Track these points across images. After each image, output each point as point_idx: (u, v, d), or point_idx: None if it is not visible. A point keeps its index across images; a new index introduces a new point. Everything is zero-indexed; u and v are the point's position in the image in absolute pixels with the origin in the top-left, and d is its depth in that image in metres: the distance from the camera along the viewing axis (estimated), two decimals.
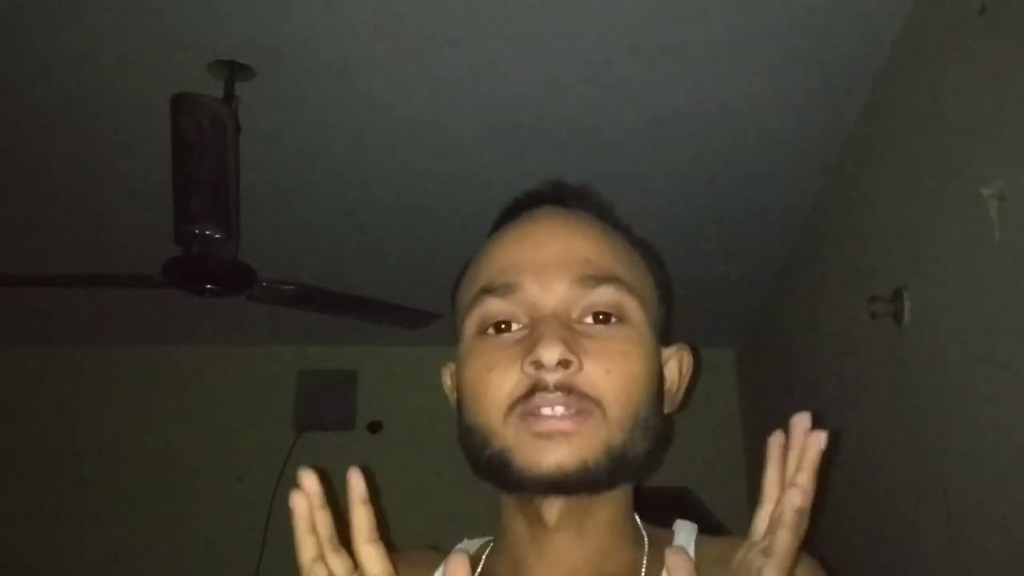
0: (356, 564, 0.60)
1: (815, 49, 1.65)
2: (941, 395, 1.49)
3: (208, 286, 1.95)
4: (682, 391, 0.78)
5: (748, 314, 3.03)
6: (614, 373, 0.66)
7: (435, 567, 0.76)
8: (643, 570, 0.69)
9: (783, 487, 0.62)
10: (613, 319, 0.69)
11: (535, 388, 0.64)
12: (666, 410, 0.75)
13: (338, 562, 0.60)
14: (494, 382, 0.66)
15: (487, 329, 0.70)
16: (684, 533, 0.74)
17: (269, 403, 3.35)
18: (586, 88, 1.78)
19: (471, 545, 0.79)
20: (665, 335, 0.77)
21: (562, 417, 0.64)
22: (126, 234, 2.45)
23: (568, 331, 0.66)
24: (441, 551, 0.79)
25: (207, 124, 1.63)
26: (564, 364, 0.64)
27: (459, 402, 0.72)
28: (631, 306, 0.70)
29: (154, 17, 1.58)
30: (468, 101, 1.84)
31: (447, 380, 0.80)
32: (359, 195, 2.27)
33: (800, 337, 2.50)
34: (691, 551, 0.70)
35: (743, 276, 2.74)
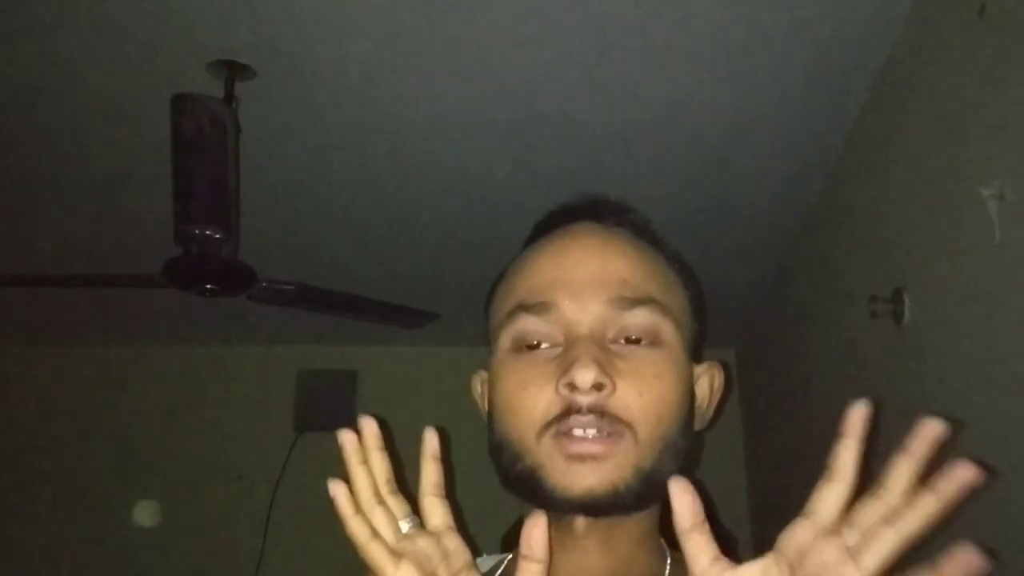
0: (417, 512, 0.63)
1: (815, 49, 1.65)
2: (941, 395, 1.49)
3: (208, 286, 1.95)
4: (712, 408, 0.79)
5: (748, 314, 3.03)
6: (647, 396, 0.67)
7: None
8: (667, 571, 0.71)
9: (860, 468, 0.60)
10: (647, 341, 0.69)
11: (569, 410, 0.65)
12: (696, 427, 0.76)
13: (396, 504, 0.64)
14: (528, 400, 0.67)
15: (522, 346, 0.70)
16: None
17: (269, 403, 3.35)
18: (585, 88, 1.78)
19: (488, 561, 0.80)
20: (698, 352, 0.78)
21: (594, 440, 0.65)
22: (126, 234, 2.45)
23: (603, 352, 0.67)
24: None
25: (207, 124, 1.63)
26: (598, 387, 0.65)
27: (490, 414, 0.73)
28: (665, 328, 0.70)
29: (154, 17, 1.58)
30: (468, 100, 1.84)
31: (477, 388, 0.81)
32: (359, 195, 2.27)
33: (800, 337, 2.50)
34: None
35: (743, 276, 2.74)
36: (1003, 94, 1.22)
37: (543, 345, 0.69)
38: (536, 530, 0.56)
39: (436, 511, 0.63)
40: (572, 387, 0.64)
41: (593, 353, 0.65)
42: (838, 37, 1.62)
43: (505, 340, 0.71)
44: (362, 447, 0.65)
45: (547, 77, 1.75)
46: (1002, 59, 1.22)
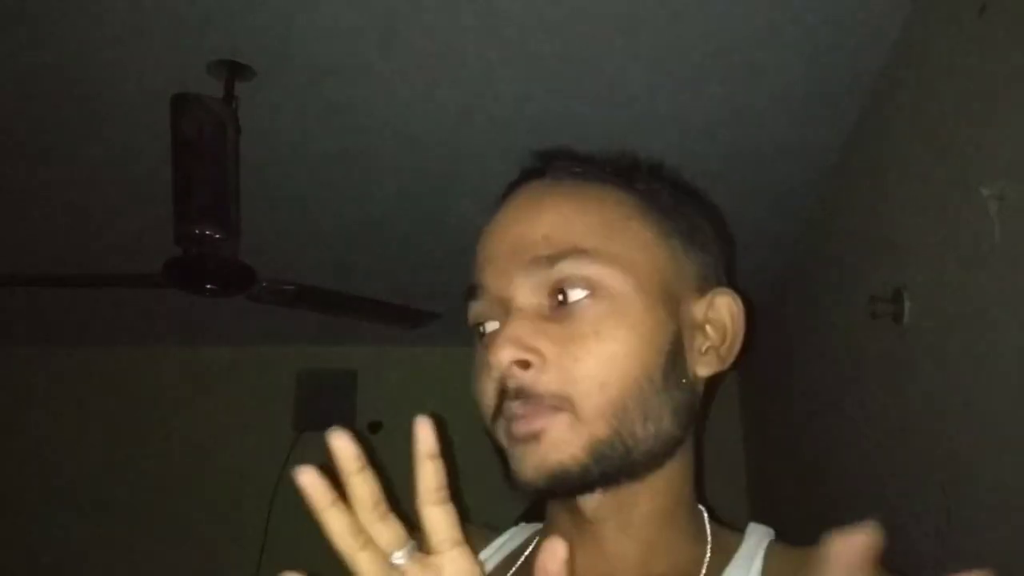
0: (412, 530, 0.54)
1: (815, 50, 1.65)
2: (941, 395, 1.49)
3: (208, 286, 1.95)
4: (735, 342, 0.70)
5: (748, 314, 3.03)
6: (583, 360, 0.59)
7: (489, 540, 0.74)
8: (703, 572, 0.64)
9: None
10: (584, 295, 0.61)
11: (503, 396, 0.61)
12: (709, 369, 0.67)
13: (384, 531, 0.52)
14: (480, 390, 0.64)
15: (479, 329, 0.67)
16: (755, 537, 0.67)
17: (269, 403, 3.35)
18: (586, 88, 1.78)
19: (520, 533, 0.76)
20: (708, 280, 0.69)
21: (527, 417, 0.59)
22: (126, 234, 2.44)
23: (531, 323, 0.60)
24: (496, 530, 0.77)
25: (207, 124, 1.63)
26: (522, 364, 0.59)
27: None
28: (604, 275, 0.61)
29: (154, 17, 1.58)
30: (468, 100, 1.84)
31: None
32: (359, 195, 2.27)
33: (800, 337, 2.50)
34: (759, 560, 0.63)
35: (743, 276, 2.73)
36: (1003, 94, 1.22)
37: (489, 327, 0.65)
38: (551, 563, 0.47)
39: (439, 523, 0.52)
40: (491, 371, 0.60)
41: (508, 330, 0.59)
42: (838, 37, 1.62)
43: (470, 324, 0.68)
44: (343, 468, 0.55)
45: (546, 79, 1.75)
46: (1002, 59, 1.22)
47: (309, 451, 3.22)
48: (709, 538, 0.67)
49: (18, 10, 1.56)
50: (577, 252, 0.61)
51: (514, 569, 0.70)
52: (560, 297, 0.61)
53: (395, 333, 2.80)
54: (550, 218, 0.64)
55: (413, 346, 3.19)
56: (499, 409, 0.61)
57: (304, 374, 3.39)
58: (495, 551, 0.73)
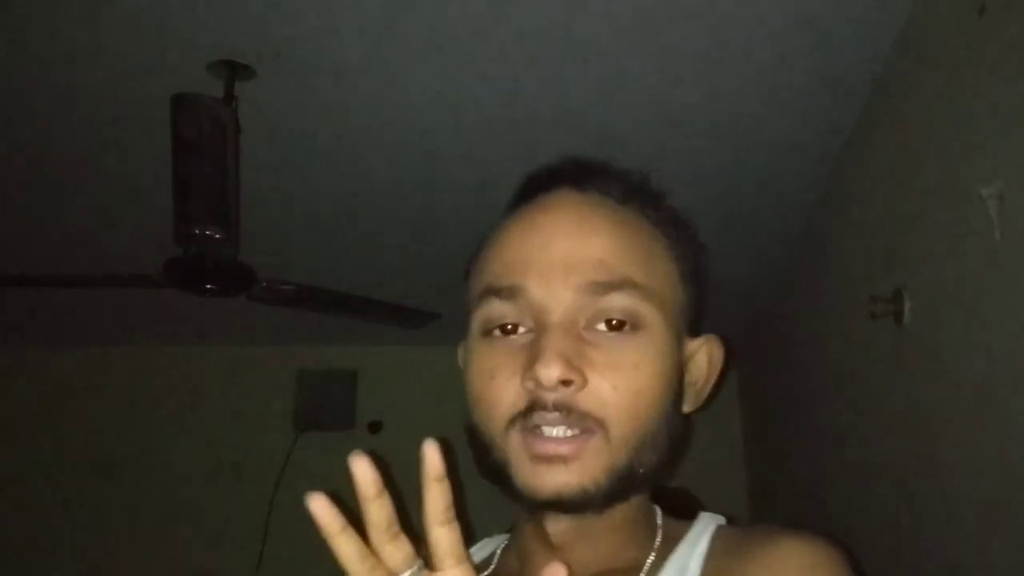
0: (417, 543, 0.55)
1: (815, 49, 1.65)
2: (941, 395, 1.49)
3: (208, 286, 1.95)
4: (709, 386, 0.74)
5: (748, 314, 3.03)
6: (621, 390, 0.62)
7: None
8: (647, 565, 0.67)
9: None
10: (626, 327, 0.64)
11: (534, 405, 0.61)
12: (688, 408, 0.72)
13: (394, 552, 0.52)
14: (495, 392, 0.64)
15: (492, 331, 0.66)
16: (703, 523, 0.71)
17: (269, 403, 3.35)
18: (587, 87, 1.78)
19: (491, 543, 0.78)
20: (695, 323, 0.72)
21: (561, 440, 0.61)
22: (126, 234, 2.45)
23: (573, 343, 0.62)
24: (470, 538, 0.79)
25: (207, 124, 1.63)
26: (565, 382, 0.61)
27: (466, 396, 0.69)
28: (646, 311, 0.65)
29: (154, 17, 1.58)
30: (468, 100, 1.84)
31: (461, 357, 0.76)
32: (359, 195, 2.27)
33: (800, 337, 2.50)
34: (704, 543, 0.67)
35: (743, 276, 2.74)
36: (1003, 94, 1.22)
37: (517, 329, 0.65)
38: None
39: (445, 543, 0.52)
40: (537, 382, 0.61)
41: (559, 346, 0.61)
42: (838, 37, 1.62)
43: (476, 323, 0.68)
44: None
45: (547, 77, 1.75)
46: (1002, 59, 1.22)
47: (309, 451, 3.23)
48: (660, 531, 0.70)
49: (17, 9, 1.56)
50: (629, 285, 0.64)
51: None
52: (603, 324, 0.64)
53: (395, 333, 2.80)
54: (603, 242, 0.66)
55: (413, 346, 3.19)
56: (522, 417, 0.62)
57: (304, 374, 3.39)
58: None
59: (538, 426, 0.61)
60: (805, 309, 2.42)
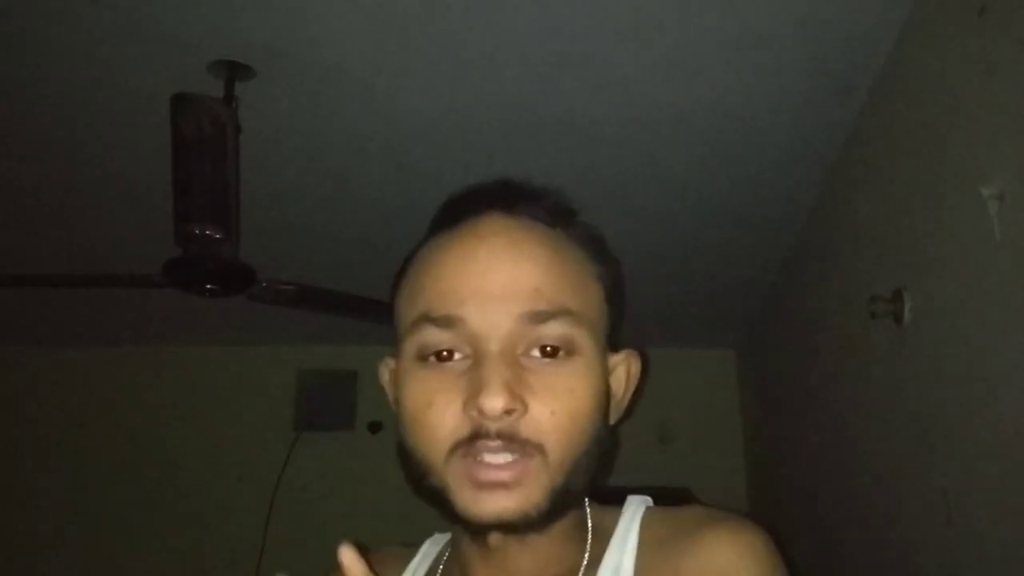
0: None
1: (815, 49, 1.65)
2: (941, 395, 1.49)
3: (208, 286, 1.95)
4: (627, 398, 0.76)
5: (748, 314, 3.03)
6: (559, 414, 0.64)
7: (407, 561, 0.79)
8: (581, 569, 0.69)
9: None
10: (560, 352, 0.66)
11: (477, 434, 0.62)
12: (611, 420, 0.73)
13: None
14: (433, 419, 0.64)
15: (427, 356, 0.66)
16: (630, 512, 0.73)
17: (269, 403, 3.35)
18: (587, 88, 1.78)
19: (441, 539, 0.80)
20: (614, 339, 0.74)
21: (503, 467, 0.62)
22: (126, 234, 2.45)
23: (513, 370, 0.64)
24: (412, 546, 0.81)
25: (207, 124, 1.63)
26: (508, 411, 0.62)
27: (398, 419, 0.70)
28: (579, 336, 0.67)
29: (154, 17, 1.58)
30: (467, 100, 1.84)
31: (385, 376, 0.78)
32: (359, 195, 2.27)
33: (800, 337, 2.50)
34: (634, 536, 0.70)
35: (744, 276, 2.74)
36: (1003, 94, 1.22)
37: (453, 356, 0.66)
38: (347, 558, 0.56)
39: None
40: (480, 411, 0.62)
41: (503, 376, 0.62)
42: (838, 37, 1.62)
43: (410, 348, 0.68)
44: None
45: (548, 77, 1.75)
46: (1002, 59, 1.22)
47: (309, 451, 3.23)
48: (590, 528, 0.72)
49: (17, 10, 1.56)
50: (565, 313, 0.66)
51: None
52: (538, 351, 0.65)
53: (395, 333, 2.80)
54: (538, 271, 0.67)
55: None
56: (464, 445, 0.63)
57: (304, 374, 3.39)
58: (414, 571, 0.78)
59: (480, 453, 0.63)
60: (805, 309, 2.42)
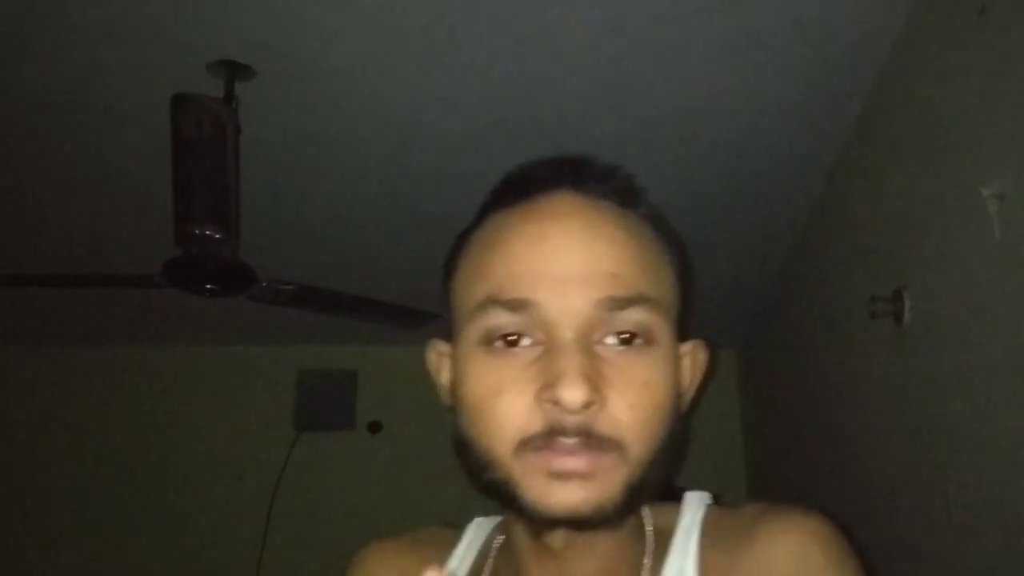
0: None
1: (815, 50, 1.65)
2: (941, 395, 1.49)
3: (208, 286, 1.95)
4: (693, 391, 0.72)
5: (749, 314, 3.03)
6: (638, 408, 0.60)
7: (450, 546, 0.74)
8: (645, 571, 0.66)
9: None
10: (637, 341, 0.62)
11: (552, 431, 0.58)
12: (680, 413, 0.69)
13: None
14: (501, 410, 0.60)
15: (494, 341, 0.62)
16: (691, 512, 0.69)
17: (269, 403, 3.36)
18: (588, 89, 1.78)
19: (487, 523, 0.76)
20: (683, 329, 0.70)
21: (580, 456, 0.58)
22: (126, 234, 2.45)
23: (591, 361, 0.59)
24: (456, 528, 0.77)
25: (207, 124, 1.63)
26: (587, 405, 0.58)
27: (457, 407, 0.65)
28: (657, 325, 0.63)
29: (154, 18, 1.58)
30: (468, 100, 1.84)
31: (433, 360, 0.72)
32: (359, 195, 2.27)
33: (800, 337, 2.50)
34: (694, 541, 0.66)
35: (744, 276, 2.74)
36: (1003, 94, 1.22)
37: (522, 341, 0.61)
38: None
39: None
40: (557, 403, 0.58)
41: (582, 366, 0.58)
42: (838, 37, 1.62)
43: (474, 332, 0.63)
44: None
45: (548, 78, 1.75)
46: (1002, 59, 1.22)
47: (309, 451, 3.23)
48: (651, 529, 0.69)
49: (17, 10, 1.56)
50: (643, 300, 0.62)
51: None
52: (614, 339, 0.61)
53: (395, 333, 2.80)
54: (616, 254, 0.63)
55: (413, 346, 3.18)
56: (537, 440, 0.59)
57: (304, 374, 3.39)
58: (460, 559, 0.73)
59: (553, 445, 0.58)
60: (805, 309, 2.42)
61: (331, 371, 3.39)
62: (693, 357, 0.72)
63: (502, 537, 0.72)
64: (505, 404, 0.60)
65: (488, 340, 0.62)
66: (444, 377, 0.70)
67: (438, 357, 0.71)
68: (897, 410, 1.70)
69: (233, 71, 1.71)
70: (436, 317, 2.49)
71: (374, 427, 3.32)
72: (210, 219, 1.75)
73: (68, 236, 2.50)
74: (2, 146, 2.04)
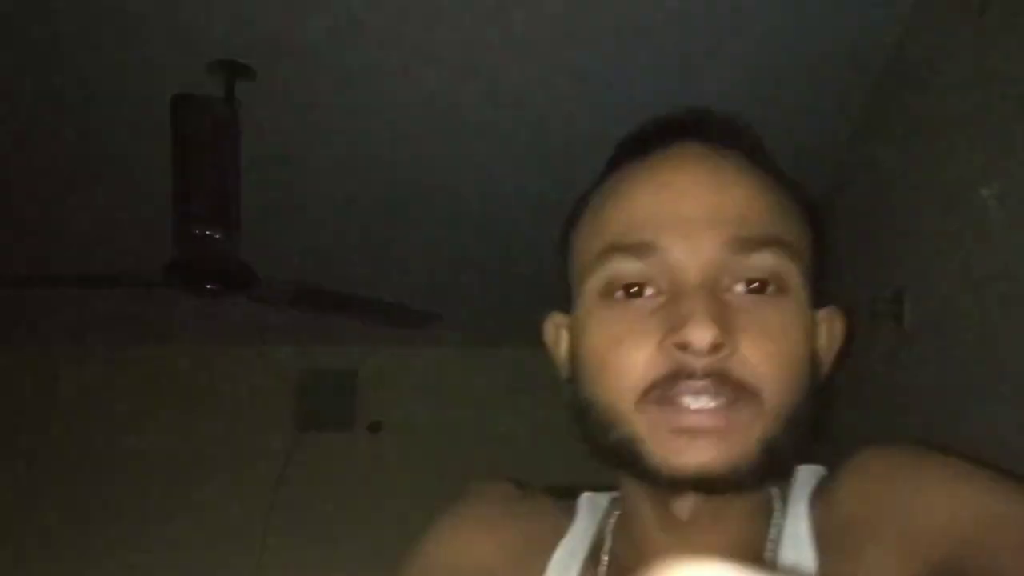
0: None
1: (816, 50, 1.65)
2: (941, 395, 1.49)
3: (209, 286, 1.95)
4: (830, 362, 0.66)
5: None
6: (774, 356, 0.55)
7: (564, 520, 0.68)
8: (769, 541, 0.60)
9: None
10: (769, 288, 0.56)
11: (678, 374, 0.53)
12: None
13: None
14: (624, 358, 0.55)
15: (615, 293, 0.57)
16: (801, 481, 0.64)
17: (269, 403, 3.35)
18: (586, 89, 1.78)
19: (599, 500, 0.69)
20: (817, 294, 0.64)
21: (711, 412, 0.53)
22: (126, 234, 2.44)
23: (720, 305, 0.54)
24: (565, 501, 0.71)
25: (207, 124, 1.63)
26: (716, 347, 0.53)
27: (574, 371, 0.61)
28: (792, 273, 0.57)
29: (155, 18, 1.58)
30: (469, 101, 1.84)
31: (551, 334, 0.67)
32: (359, 195, 2.27)
33: None
34: (804, 520, 0.61)
35: None
36: (1003, 95, 1.22)
37: (644, 291, 0.57)
38: None
39: None
40: (685, 347, 0.53)
41: (709, 307, 0.53)
42: (839, 38, 1.62)
43: (594, 284, 0.58)
44: None
45: (547, 79, 1.75)
46: (1002, 59, 1.22)
47: (309, 451, 3.22)
48: (775, 499, 0.63)
49: (18, 10, 1.56)
50: (776, 243, 0.57)
51: (604, 568, 0.64)
52: (743, 286, 0.56)
53: (396, 333, 2.80)
54: (745, 195, 0.58)
55: (413, 346, 3.19)
56: (661, 387, 0.54)
57: (304, 374, 3.39)
58: (578, 539, 0.67)
59: (681, 396, 0.54)
60: None
61: (331, 371, 3.39)
62: (829, 324, 0.65)
63: (618, 513, 0.67)
64: (627, 353, 0.56)
65: (609, 291, 0.58)
66: (562, 347, 0.65)
67: (555, 329, 0.66)
68: (897, 410, 1.70)
69: (234, 71, 1.71)
70: (437, 317, 2.49)
71: (374, 427, 3.32)
72: (211, 219, 1.75)
73: (68, 236, 2.50)
74: (2, 147, 2.04)
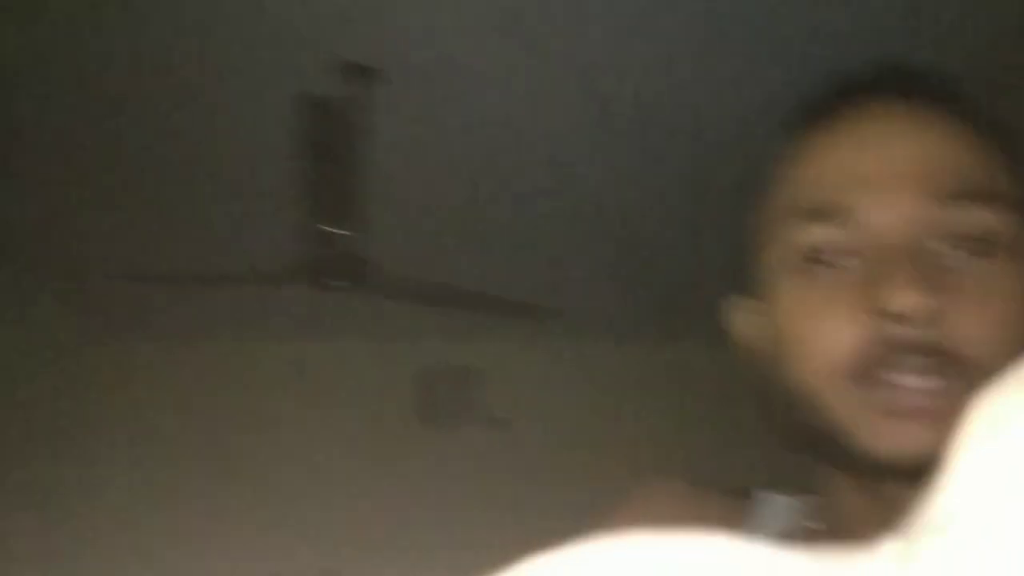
0: None
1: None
2: None
3: (333, 283, 1.97)
4: None
5: None
6: (992, 323, 0.48)
7: (739, 514, 0.61)
8: None
9: None
10: (984, 246, 0.50)
11: (888, 348, 0.48)
12: None
13: None
14: (824, 334, 0.50)
15: (808, 263, 0.52)
16: None
17: (391, 399, 3.35)
18: (721, 90, 1.73)
19: (782, 509, 0.62)
20: None
21: (929, 391, 0.47)
22: (254, 232, 2.51)
23: (928, 267, 0.48)
24: (743, 499, 0.64)
25: (335, 125, 1.65)
26: (926, 314, 0.47)
27: (764, 353, 0.56)
28: (1008, 232, 0.50)
29: (284, 20, 1.61)
30: (581, 100, 1.81)
31: (738, 320, 0.62)
32: (484, 193, 2.27)
33: None
34: None
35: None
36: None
37: (844, 260, 0.51)
38: None
39: None
40: (891, 316, 0.47)
41: (916, 268, 0.47)
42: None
43: (785, 256, 0.54)
44: None
45: (685, 80, 1.71)
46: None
47: (433, 449, 3.21)
48: None
49: (141, 10, 1.61)
50: (989, 196, 0.51)
51: None
52: (956, 244, 0.50)
53: (519, 330, 2.78)
54: (951, 147, 0.52)
55: (538, 343, 3.13)
56: (869, 364, 0.49)
57: (425, 370, 3.39)
58: (763, 520, 0.62)
59: (892, 372, 0.48)
60: None
61: (455, 368, 3.38)
62: None
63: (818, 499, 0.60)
64: (828, 328, 0.50)
65: (805, 263, 0.53)
66: (748, 332, 0.60)
67: (739, 312, 0.61)
68: None
69: (362, 74, 1.73)
70: (558, 314, 2.46)
71: (498, 424, 3.29)
72: (336, 217, 1.77)
73: (199, 235, 2.58)
74: (128, 147, 2.12)
